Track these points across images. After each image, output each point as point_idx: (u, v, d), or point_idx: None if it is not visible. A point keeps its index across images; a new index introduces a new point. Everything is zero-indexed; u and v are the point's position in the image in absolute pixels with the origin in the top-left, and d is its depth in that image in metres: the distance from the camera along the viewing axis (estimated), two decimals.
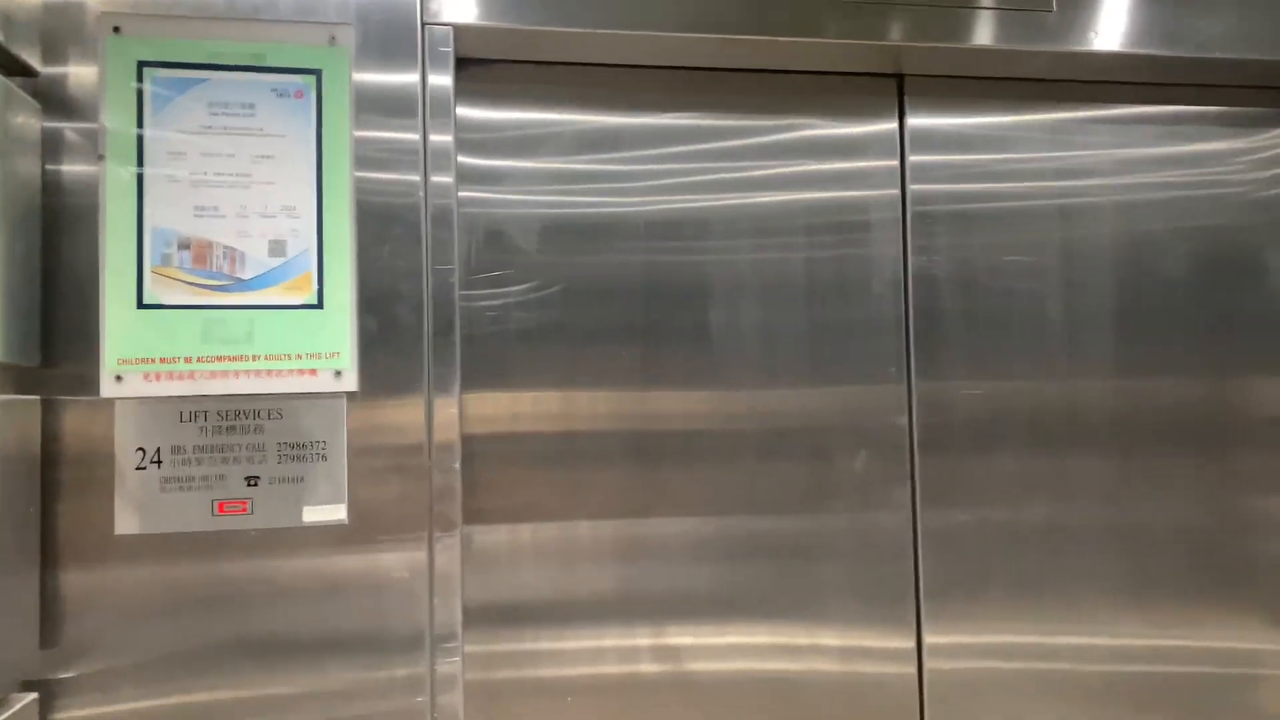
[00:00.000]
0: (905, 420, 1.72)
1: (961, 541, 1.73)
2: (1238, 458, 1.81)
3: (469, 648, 1.56)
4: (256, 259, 1.38)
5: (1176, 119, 1.82)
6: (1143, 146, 1.81)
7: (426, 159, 1.46)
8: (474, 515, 1.57)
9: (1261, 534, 1.81)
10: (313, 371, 1.39)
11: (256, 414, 1.37)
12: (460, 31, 1.51)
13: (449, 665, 1.43)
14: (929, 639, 1.72)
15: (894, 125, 1.75)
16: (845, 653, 1.70)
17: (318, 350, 1.39)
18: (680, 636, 1.64)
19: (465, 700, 1.51)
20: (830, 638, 1.69)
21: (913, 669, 1.72)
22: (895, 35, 1.62)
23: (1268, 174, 1.85)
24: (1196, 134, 1.83)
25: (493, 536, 1.59)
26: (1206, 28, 1.66)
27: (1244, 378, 1.82)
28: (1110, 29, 1.64)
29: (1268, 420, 1.82)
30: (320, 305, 1.40)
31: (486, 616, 1.58)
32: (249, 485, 1.36)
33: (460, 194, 1.59)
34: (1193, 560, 1.80)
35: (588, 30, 1.53)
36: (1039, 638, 1.76)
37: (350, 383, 1.40)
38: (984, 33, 1.62)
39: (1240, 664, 1.81)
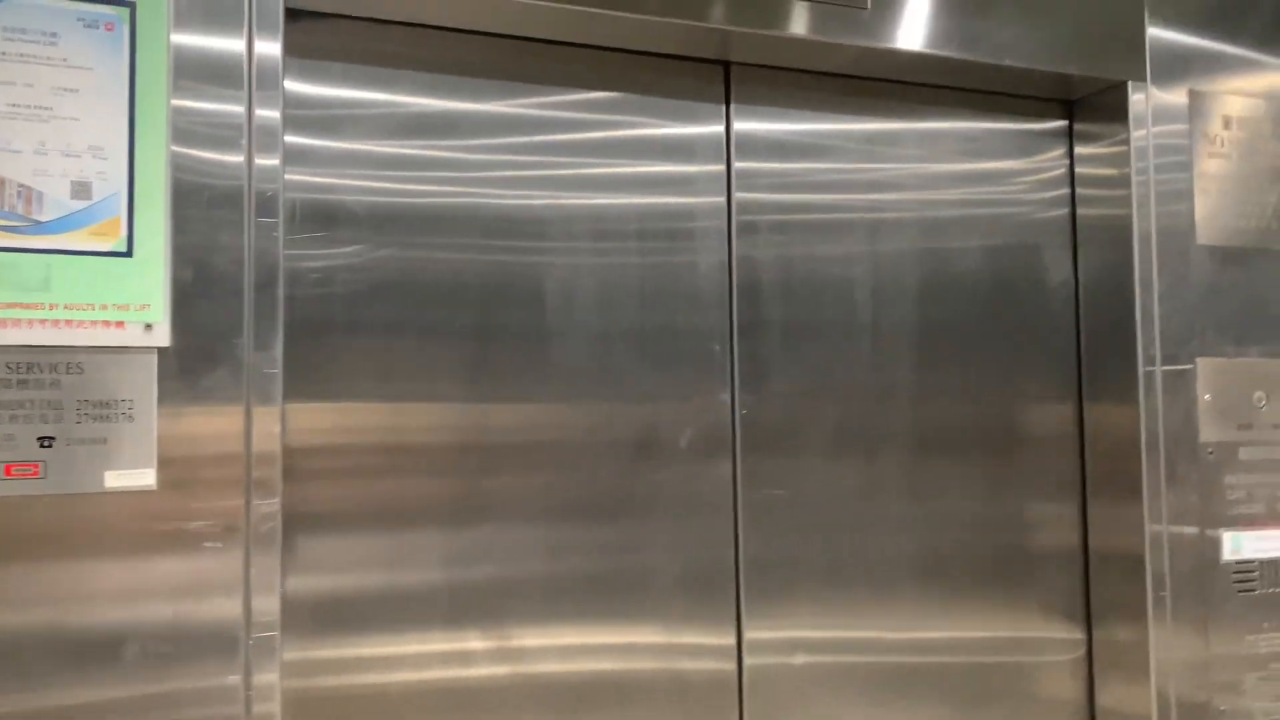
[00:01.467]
0: (729, 424, 1.79)
1: (780, 540, 1.81)
2: (1021, 460, 1.99)
3: (289, 655, 1.48)
4: (57, 200, 1.28)
5: (972, 135, 2.01)
6: (943, 162, 1.97)
7: (251, 129, 1.40)
8: (296, 502, 1.50)
9: (1041, 532, 2.00)
10: (119, 324, 1.29)
11: (53, 368, 1.25)
12: None
13: (266, 661, 1.35)
14: (749, 635, 1.78)
15: (721, 128, 1.83)
16: (668, 650, 1.73)
17: (125, 301, 1.30)
18: (507, 639, 1.63)
19: (284, 710, 1.43)
20: (654, 636, 1.73)
21: (733, 665, 1.77)
22: (721, 19, 1.69)
23: (1050, 194, 2.06)
24: (989, 151, 2.02)
25: (311, 528, 1.53)
26: (1000, 34, 1.84)
27: (1019, 380, 2.00)
28: (916, 30, 1.79)
29: (1047, 426, 2.01)
30: (129, 253, 1.30)
31: (308, 614, 1.51)
32: (42, 447, 1.24)
33: (291, 177, 1.53)
34: (974, 553, 1.95)
35: None
36: (850, 632, 1.86)
37: (162, 337, 1.31)
38: (803, 23, 1.73)
39: (1016, 652, 1.97)
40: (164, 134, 1.34)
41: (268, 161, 1.40)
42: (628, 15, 1.63)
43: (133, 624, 1.28)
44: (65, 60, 1.30)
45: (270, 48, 1.41)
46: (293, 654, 1.48)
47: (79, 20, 1.31)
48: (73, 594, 1.26)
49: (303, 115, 1.56)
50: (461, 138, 1.67)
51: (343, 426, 1.56)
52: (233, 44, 1.39)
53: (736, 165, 1.83)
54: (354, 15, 1.59)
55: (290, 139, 1.53)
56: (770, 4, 1.71)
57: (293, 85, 1.55)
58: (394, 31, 1.62)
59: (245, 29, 1.40)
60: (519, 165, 1.70)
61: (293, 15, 1.53)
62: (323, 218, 1.57)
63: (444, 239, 1.64)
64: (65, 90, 1.29)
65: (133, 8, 1.34)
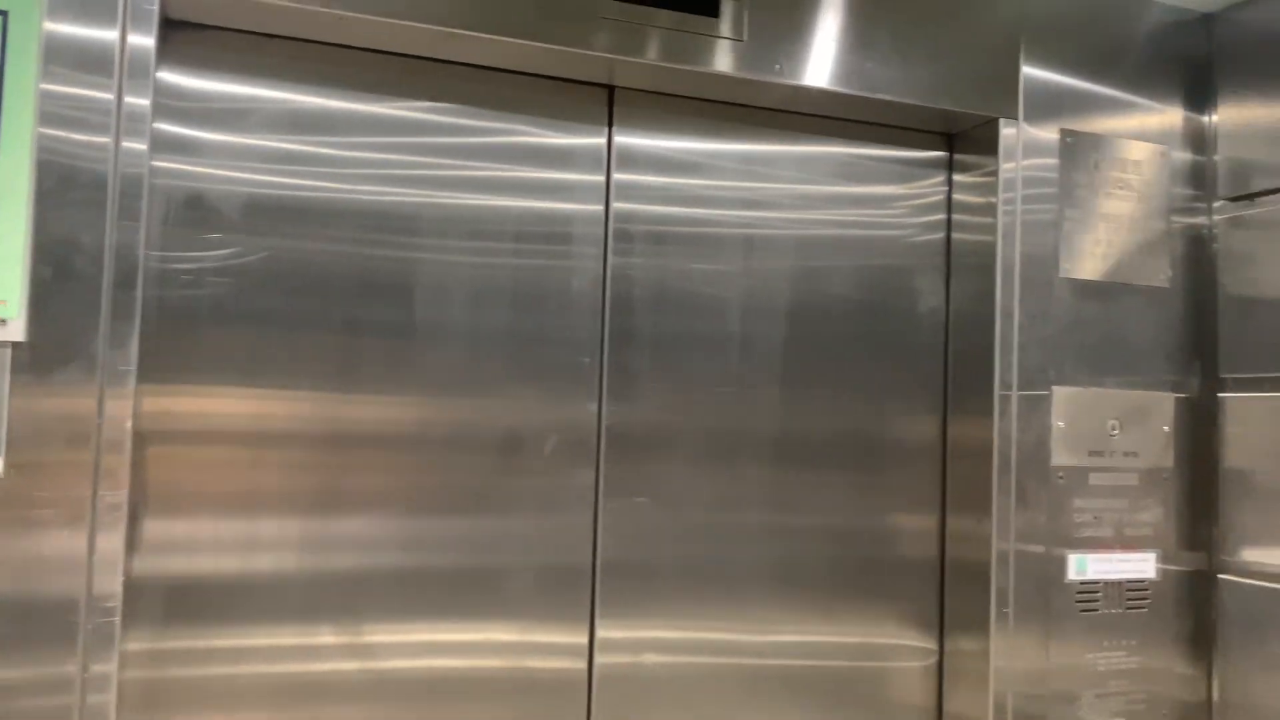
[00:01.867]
0: (595, 431, 1.87)
1: (639, 545, 1.89)
2: (874, 470, 2.08)
3: (132, 645, 1.54)
4: None
5: (850, 160, 2.09)
6: (819, 184, 2.06)
7: (120, 119, 1.46)
8: (144, 493, 1.57)
9: (889, 541, 2.08)
10: None
11: None
12: None
13: (105, 648, 1.41)
14: (601, 634, 1.86)
15: (603, 140, 1.90)
16: (521, 648, 1.81)
17: None
18: (359, 634, 1.70)
19: (132, 699, 1.51)
20: (508, 634, 1.80)
21: (583, 664, 1.85)
22: (606, 47, 1.77)
23: (927, 218, 2.15)
24: (867, 176, 2.10)
25: (165, 518, 1.59)
26: (881, 71, 1.92)
27: (886, 398, 2.09)
28: (794, 63, 1.87)
29: (903, 437, 2.10)
30: None
31: (155, 602, 1.58)
32: None
33: (159, 163, 1.60)
34: (833, 562, 2.04)
35: (304, 5, 1.58)
36: (702, 633, 1.94)
37: (17, 332, 1.38)
38: (682, 54, 1.80)
39: (872, 657, 2.07)
40: (29, 132, 1.40)
41: (135, 146, 1.46)
42: (512, 40, 1.70)
43: None
44: None
45: (143, 40, 1.47)
46: (138, 644, 1.55)
47: None
48: None
49: (179, 106, 1.62)
50: (340, 135, 1.73)
51: (206, 414, 1.63)
52: (106, 34, 1.45)
53: (616, 176, 1.91)
54: (233, 28, 1.65)
55: (164, 127, 1.60)
56: (651, 34, 1.79)
57: (170, 77, 1.61)
58: (277, 43, 1.69)
59: (119, 24, 1.46)
60: (396, 165, 1.76)
61: (172, 24, 1.60)
62: (195, 207, 1.63)
63: (317, 233, 1.71)
64: None
65: (5, 15, 1.40)
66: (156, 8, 1.50)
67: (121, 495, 1.43)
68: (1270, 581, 2.01)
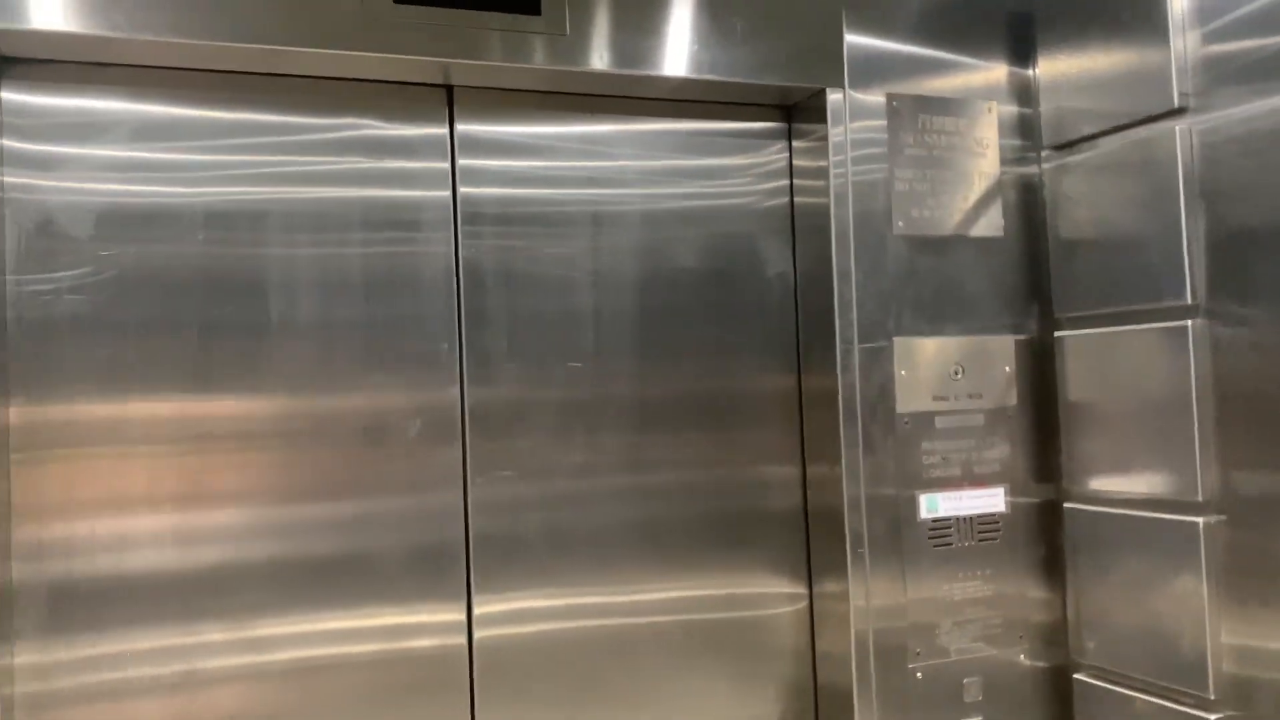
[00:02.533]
0: (457, 405, 1.99)
1: (507, 513, 2.02)
2: (737, 429, 2.22)
3: (20, 659, 1.68)
4: None
5: (690, 134, 2.21)
6: (663, 159, 2.18)
7: None
8: (23, 510, 1.70)
9: (756, 494, 2.23)
10: None
11: None
12: (2, 34, 1.64)
13: None
14: (478, 610, 1.99)
15: (445, 130, 2.03)
16: (399, 630, 1.94)
17: None
18: (240, 629, 1.83)
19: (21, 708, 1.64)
20: (388, 617, 1.93)
21: (463, 640, 1.99)
22: (438, 53, 1.89)
23: (770, 185, 2.28)
24: (709, 148, 2.23)
25: (42, 531, 1.72)
26: (703, 54, 2.04)
27: (743, 360, 2.23)
28: (619, 53, 1.99)
29: (762, 396, 2.24)
30: None
31: (40, 623, 1.71)
32: None
33: (8, 179, 1.71)
34: (701, 519, 2.18)
35: (130, 36, 1.69)
36: (578, 599, 2.08)
37: None
38: (511, 52, 1.92)
39: (746, 607, 2.21)
40: None
41: None
42: (344, 52, 1.82)
43: None
44: None
45: None
46: (23, 656, 1.68)
47: None
48: None
49: (22, 124, 1.74)
50: (182, 140, 1.85)
51: (73, 421, 1.75)
52: None
53: (460, 162, 2.03)
54: (66, 60, 1.76)
55: (10, 144, 1.72)
56: (480, 36, 1.90)
57: (13, 96, 1.73)
58: (113, 68, 1.80)
59: None
60: (239, 165, 1.88)
61: (8, 60, 1.71)
62: (44, 221, 1.75)
63: (166, 238, 1.82)
64: None
65: None
66: None
67: None
68: (1112, 507, 2.15)
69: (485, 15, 1.91)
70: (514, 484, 2.03)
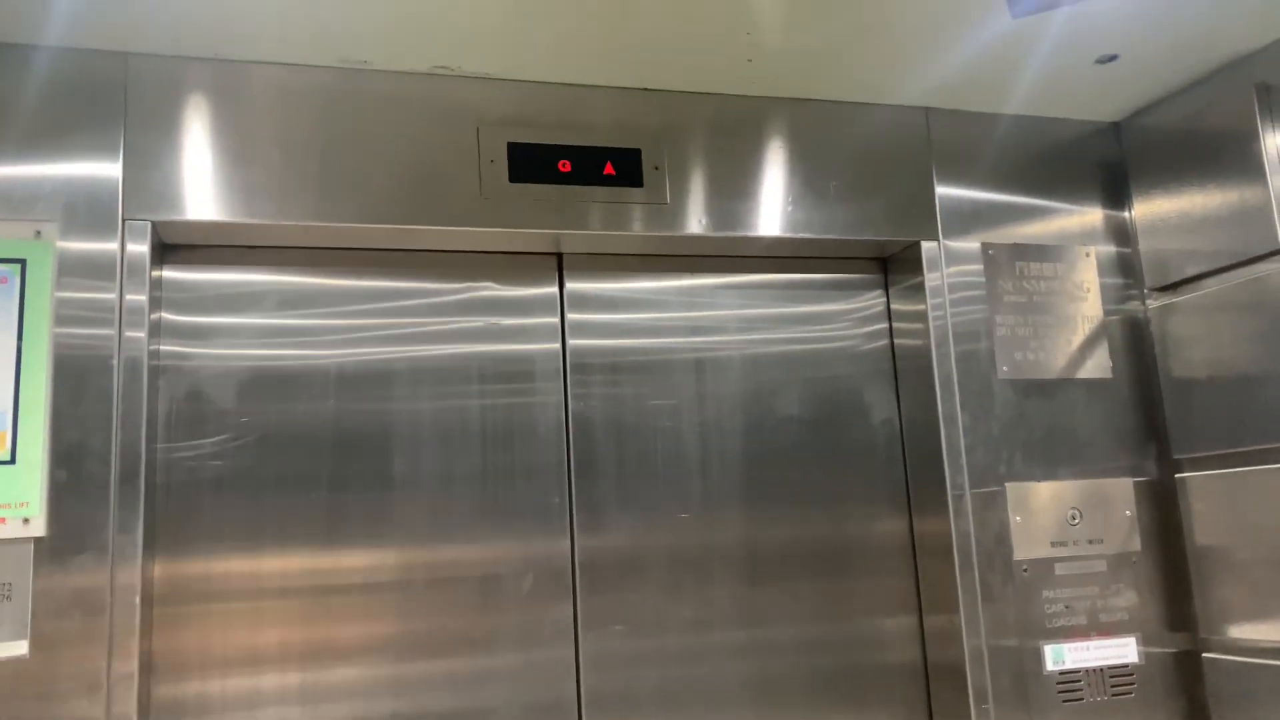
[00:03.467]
0: (568, 555, 2.04)
1: (619, 669, 2.03)
2: (849, 579, 2.20)
3: None
4: None
5: (791, 285, 2.30)
6: (763, 307, 2.26)
7: (122, 318, 1.75)
8: (158, 661, 1.79)
9: (872, 647, 2.19)
10: (2, 520, 1.61)
11: None
12: (160, 225, 1.84)
13: None
14: None
15: (555, 289, 2.15)
16: None
17: (8, 500, 1.62)
18: None
19: None
20: None
21: None
22: (549, 225, 2.03)
23: (868, 329, 2.33)
24: (809, 297, 2.30)
25: (179, 688, 1.80)
26: (799, 214, 2.15)
27: (853, 507, 2.23)
28: (718, 216, 2.10)
29: (874, 544, 2.23)
30: (13, 461, 1.64)
31: None
32: None
33: (164, 348, 1.88)
34: (816, 674, 2.14)
35: (273, 222, 1.88)
36: None
37: (38, 528, 1.63)
38: (618, 221, 2.06)
39: None
40: (45, 361, 1.69)
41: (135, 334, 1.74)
42: (461, 229, 1.97)
43: None
44: None
45: (138, 298, 1.77)
46: None
47: None
48: None
49: (180, 298, 1.92)
50: (317, 307, 2.00)
51: (210, 576, 1.85)
52: (106, 293, 1.75)
53: (570, 316, 2.14)
54: (219, 245, 1.96)
55: (168, 317, 1.89)
56: (588, 208, 2.04)
57: (171, 274, 1.92)
58: (258, 251, 1.99)
59: (118, 278, 1.76)
60: (369, 329, 2.02)
61: (169, 249, 1.91)
62: (194, 389, 1.90)
63: (301, 398, 1.95)
64: None
65: (23, 263, 1.72)
66: (148, 243, 1.80)
67: (133, 664, 1.65)
68: (1256, 657, 2.05)
69: (592, 189, 2.06)
70: (625, 639, 2.05)
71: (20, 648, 1.59)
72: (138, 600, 1.67)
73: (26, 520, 1.63)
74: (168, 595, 1.82)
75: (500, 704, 1.96)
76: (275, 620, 1.87)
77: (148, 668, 1.77)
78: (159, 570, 1.81)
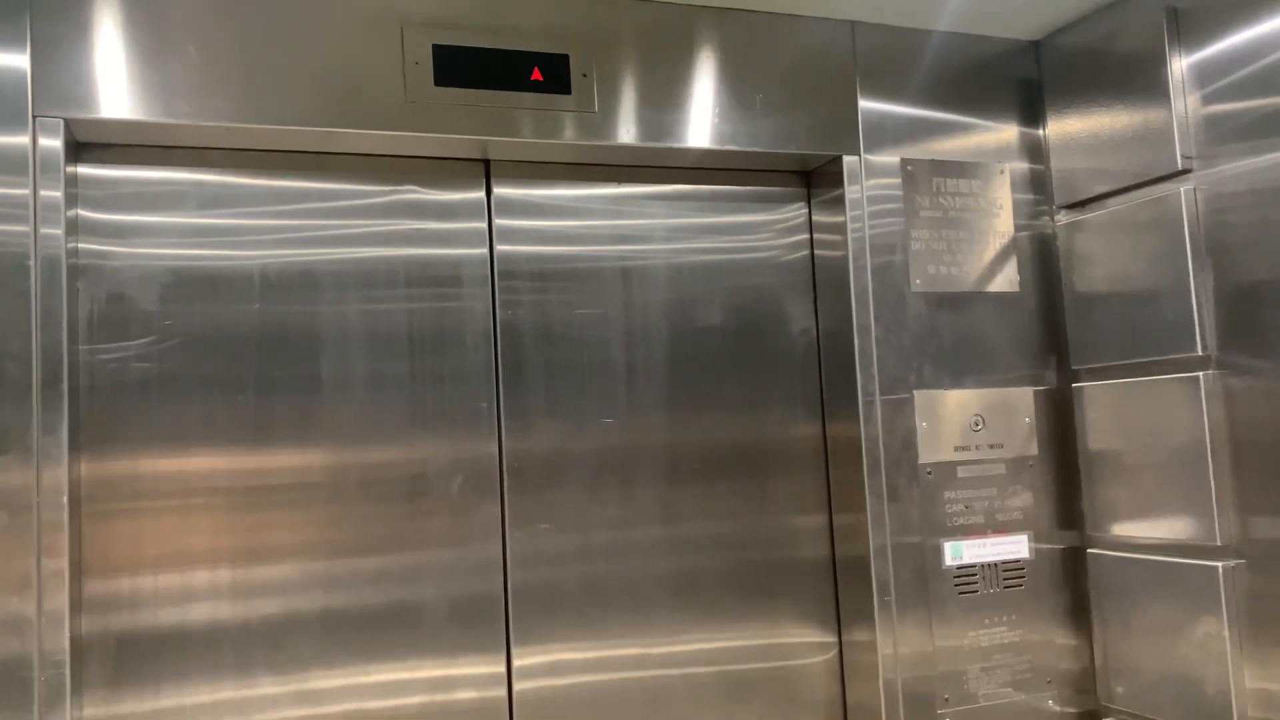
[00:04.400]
0: (495, 457, 2.12)
1: (545, 566, 2.14)
2: (765, 480, 2.33)
3: (86, 711, 1.80)
4: None
5: (716, 196, 2.36)
6: (689, 217, 2.33)
7: (37, 214, 1.73)
8: (88, 560, 1.83)
9: (785, 544, 2.33)
10: None
11: None
12: (72, 123, 1.81)
13: (57, 698, 1.66)
14: (518, 662, 2.10)
15: (482, 194, 2.18)
16: (443, 683, 2.04)
17: None
18: (292, 682, 1.94)
19: None
20: (430, 669, 2.04)
21: (503, 692, 2.09)
22: (476, 131, 2.04)
23: (790, 240, 2.42)
24: (734, 209, 2.37)
25: (111, 585, 1.85)
26: (724, 127, 2.19)
27: (770, 413, 2.35)
28: (645, 127, 2.14)
29: (789, 448, 2.35)
30: None
31: (103, 676, 1.83)
32: None
33: (83, 246, 1.87)
34: (733, 569, 2.28)
35: (192, 122, 1.86)
36: (614, 651, 2.18)
37: None
38: (546, 129, 2.08)
39: (778, 657, 2.30)
40: None
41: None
42: (387, 133, 1.98)
43: None
44: None
45: (53, 194, 1.75)
46: (90, 709, 1.80)
47: None
48: None
49: (97, 195, 1.90)
50: (241, 206, 2.00)
51: (135, 478, 1.88)
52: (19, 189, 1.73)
53: (497, 222, 2.17)
54: (137, 144, 1.93)
55: (85, 214, 1.89)
56: (514, 115, 2.06)
57: (87, 170, 1.90)
58: (176, 151, 1.97)
59: (30, 174, 1.74)
60: (292, 229, 2.03)
61: (84, 146, 1.88)
62: (114, 285, 1.90)
63: (226, 299, 1.97)
64: None
65: None
66: (61, 140, 1.78)
67: (62, 563, 1.69)
68: (1134, 553, 2.24)
69: (520, 95, 2.07)
70: (551, 537, 2.15)
71: None
72: (65, 500, 1.71)
73: None
74: (95, 495, 1.85)
75: (430, 599, 2.05)
76: (205, 520, 1.92)
77: (78, 566, 1.81)
78: (86, 470, 1.84)
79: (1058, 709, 2.31)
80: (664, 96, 2.17)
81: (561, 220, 2.24)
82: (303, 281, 2.03)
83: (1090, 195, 2.35)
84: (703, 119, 2.19)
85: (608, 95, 2.13)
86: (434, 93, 2.01)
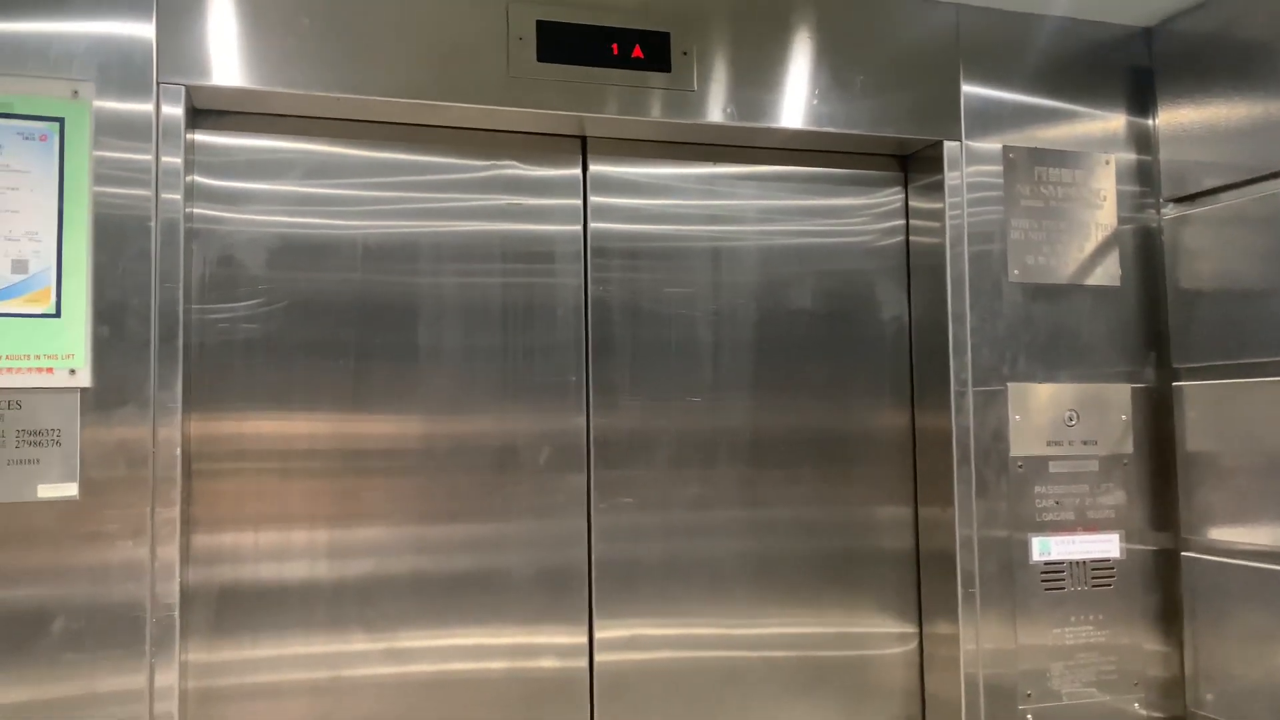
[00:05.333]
0: (583, 431, 2.17)
1: (628, 540, 2.18)
2: (851, 467, 2.34)
3: (190, 656, 1.90)
4: (1, 275, 1.72)
5: (811, 178, 2.37)
6: (783, 199, 2.34)
7: (158, 180, 1.82)
8: (195, 513, 1.93)
9: (869, 533, 2.34)
10: (49, 370, 1.73)
11: None
12: (193, 90, 1.89)
13: (167, 638, 1.76)
14: (599, 634, 2.15)
15: (578, 171, 2.22)
16: (525, 650, 2.10)
17: (54, 352, 1.73)
18: (381, 640, 2.02)
19: (186, 709, 1.85)
20: (514, 636, 2.10)
21: (584, 663, 2.14)
22: (575, 108, 2.09)
23: (885, 225, 2.42)
24: (829, 191, 2.38)
25: (216, 539, 1.94)
26: (823, 108, 2.20)
27: (858, 399, 2.35)
28: (745, 106, 2.16)
29: (876, 435, 2.36)
30: (58, 314, 1.74)
31: (206, 625, 1.93)
32: None
33: (198, 211, 1.97)
34: (814, 555, 2.30)
35: (303, 91, 1.94)
36: (694, 629, 2.22)
37: (84, 380, 1.75)
38: (644, 107, 2.11)
39: (857, 645, 2.32)
40: (86, 219, 1.77)
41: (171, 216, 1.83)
42: (487, 107, 2.03)
43: (58, 602, 1.71)
44: (8, 165, 1.74)
45: (174, 160, 1.84)
46: (195, 653, 1.91)
47: (18, 134, 1.76)
48: (10, 578, 1.70)
49: (212, 161, 1.99)
50: (346, 177, 2.08)
51: (242, 435, 1.98)
52: (143, 154, 1.83)
53: (591, 199, 2.22)
54: (250, 112, 2.02)
55: (200, 179, 1.98)
56: (613, 92, 2.09)
57: (204, 138, 1.99)
58: (287, 120, 2.05)
59: (154, 140, 1.83)
60: (401, 200, 2.10)
61: (201, 113, 1.97)
62: (225, 249, 1.99)
63: (328, 267, 2.05)
64: (8, 189, 1.74)
65: (62, 122, 1.78)
66: (182, 107, 1.87)
67: (175, 511, 1.79)
68: (1231, 558, 2.20)
69: (620, 73, 2.11)
70: (635, 512, 2.19)
71: (71, 489, 1.72)
72: (178, 453, 1.80)
73: (73, 371, 1.74)
74: (202, 452, 1.95)
75: (515, 567, 2.11)
76: (304, 480, 2.01)
77: (187, 518, 1.91)
78: (194, 428, 1.94)
79: (1144, 713, 2.29)
80: (762, 76, 2.18)
81: (655, 199, 2.27)
82: (402, 253, 2.10)
83: (1201, 189, 2.30)
84: (801, 99, 2.20)
85: (707, 74, 2.15)
86: (536, 68, 2.06)
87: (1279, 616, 2.07)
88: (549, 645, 2.12)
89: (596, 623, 2.15)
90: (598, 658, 2.15)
